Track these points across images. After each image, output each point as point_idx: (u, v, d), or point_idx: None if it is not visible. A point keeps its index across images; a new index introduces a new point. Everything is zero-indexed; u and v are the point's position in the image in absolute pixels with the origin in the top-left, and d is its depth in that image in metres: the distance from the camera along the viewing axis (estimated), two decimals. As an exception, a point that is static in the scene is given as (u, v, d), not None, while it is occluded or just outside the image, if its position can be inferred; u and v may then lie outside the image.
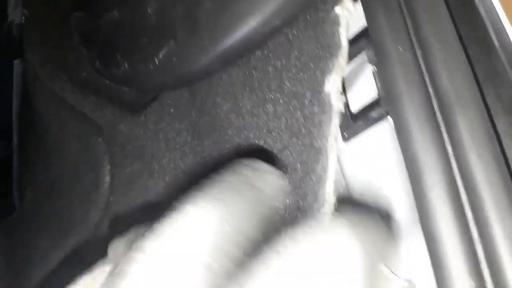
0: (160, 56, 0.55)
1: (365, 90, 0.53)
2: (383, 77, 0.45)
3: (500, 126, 0.41)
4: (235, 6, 0.50)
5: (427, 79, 0.43)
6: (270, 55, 0.56)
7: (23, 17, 1.03)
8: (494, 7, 0.47)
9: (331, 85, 0.50)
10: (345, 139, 0.55)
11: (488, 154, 0.39)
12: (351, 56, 0.53)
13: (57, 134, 1.02)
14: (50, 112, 1.02)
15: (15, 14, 1.05)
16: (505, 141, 0.40)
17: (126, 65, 0.61)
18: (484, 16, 0.46)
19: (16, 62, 1.06)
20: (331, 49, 0.51)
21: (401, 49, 0.43)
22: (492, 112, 0.41)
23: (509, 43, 0.48)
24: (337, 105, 0.51)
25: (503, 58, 0.47)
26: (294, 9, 0.50)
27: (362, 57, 0.54)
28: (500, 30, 0.48)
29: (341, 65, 0.50)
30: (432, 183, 0.41)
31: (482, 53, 0.44)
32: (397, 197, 0.55)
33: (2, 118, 1.06)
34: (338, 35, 0.49)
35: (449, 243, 0.38)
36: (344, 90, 0.54)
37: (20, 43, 1.03)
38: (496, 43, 0.47)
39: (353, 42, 0.52)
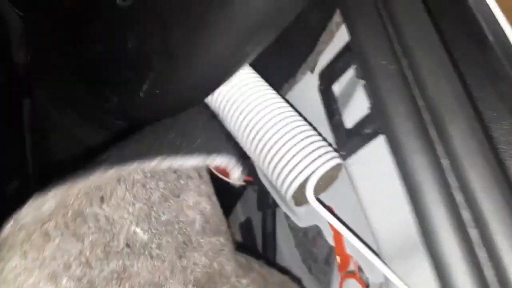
0: (144, 89, 0.54)
1: (359, 104, 0.50)
2: (370, 92, 0.42)
3: (497, 130, 0.38)
4: (205, 35, 0.48)
5: (415, 90, 0.40)
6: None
7: (28, 57, 1.04)
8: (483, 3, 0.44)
9: None
10: (343, 157, 0.52)
11: (483, 163, 0.36)
12: (342, 70, 0.50)
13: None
14: (62, 149, 1.03)
15: (20, 55, 1.07)
16: (500, 146, 0.37)
17: (115, 99, 0.60)
18: (471, 13, 0.42)
19: (26, 102, 1.07)
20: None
21: (384, 61, 0.40)
22: (485, 117, 0.38)
23: (505, 40, 0.44)
24: None
25: (499, 53, 0.43)
26: (265, 34, 0.49)
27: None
28: (495, 27, 0.45)
29: None
30: (430, 200, 0.38)
31: (472, 55, 0.41)
32: (402, 216, 0.52)
33: (15, 158, 1.07)
34: None
35: (453, 261, 0.35)
36: (337, 106, 0.51)
37: (28, 82, 1.05)
38: (491, 39, 0.44)
39: (341, 56, 0.50)
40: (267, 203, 1.13)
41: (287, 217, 1.23)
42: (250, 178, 1.06)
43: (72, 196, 0.52)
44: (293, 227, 1.22)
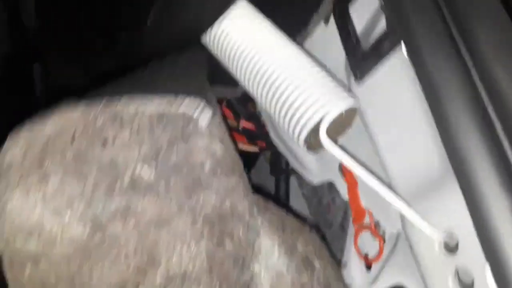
0: (151, 17, 0.52)
1: (375, 29, 0.48)
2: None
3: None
4: None
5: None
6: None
7: (38, 19, 1.03)
8: None
9: None
10: (357, 78, 0.50)
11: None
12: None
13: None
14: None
15: (30, 18, 1.06)
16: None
17: (123, 35, 0.59)
18: None
19: (36, 66, 1.06)
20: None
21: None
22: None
23: None
24: None
25: None
26: None
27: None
28: None
29: None
30: (457, 107, 0.36)
31: None
32: (427, 141, 0.50)
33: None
34: None
35: (481, 175, 0.33)
36: (353, 27, 0.49)
37: (38, 46, 1.04)
38: None
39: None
40: (280, 167, 1.11)
41: (301, 186, 1.21)
42: (263, 144, 1.05)
43: (69, 129, 0.53)
44: (307, 196, 1.20)
